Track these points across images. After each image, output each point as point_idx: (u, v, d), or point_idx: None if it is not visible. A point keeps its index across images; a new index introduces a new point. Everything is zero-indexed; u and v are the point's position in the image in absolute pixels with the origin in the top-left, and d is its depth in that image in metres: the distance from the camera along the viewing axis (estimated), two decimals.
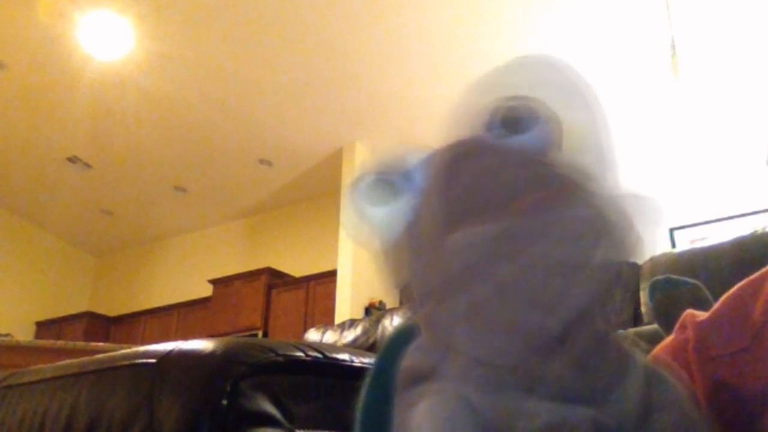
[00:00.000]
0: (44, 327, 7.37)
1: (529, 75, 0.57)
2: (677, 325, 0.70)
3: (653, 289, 0.89)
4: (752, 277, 0.66)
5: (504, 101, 0.55)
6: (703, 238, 3.77)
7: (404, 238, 0.57)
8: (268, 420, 0.87)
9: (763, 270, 0.66)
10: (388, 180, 0.56)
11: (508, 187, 0.51)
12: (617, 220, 0.50)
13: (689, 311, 0.69)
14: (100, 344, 3.51)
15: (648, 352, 0.66)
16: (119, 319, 7.56)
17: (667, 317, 0.84)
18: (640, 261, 2.41)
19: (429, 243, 0.53)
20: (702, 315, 0.67)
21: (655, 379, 0.55)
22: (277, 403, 0.88)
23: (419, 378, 0.53)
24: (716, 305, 0.67)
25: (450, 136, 0.57)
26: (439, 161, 0.56)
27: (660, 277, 0.89)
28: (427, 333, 0.55)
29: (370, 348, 3.07)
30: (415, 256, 0.56)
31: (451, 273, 0.50)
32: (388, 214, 0.56)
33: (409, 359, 0.56)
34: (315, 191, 6.68)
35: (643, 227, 0.51)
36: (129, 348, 1.08)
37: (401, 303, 5.22)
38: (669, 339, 0.70)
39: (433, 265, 0.53)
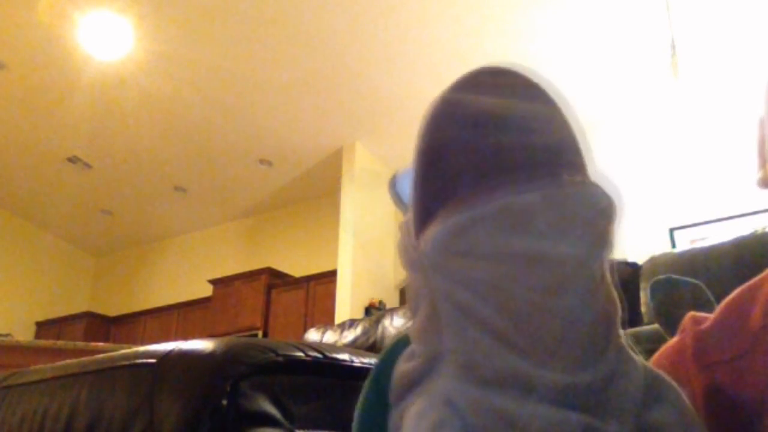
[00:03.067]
0: (44, 327, 7.36)
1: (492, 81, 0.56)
2: (679, 328, 0.70)
3: (654, 289, 0.89)
4: (750, 282, 0.66)
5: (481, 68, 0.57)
6: (703, 238, 3.77)
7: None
8: (268, 420, 0.87)
9: (761, 275, 0.65)
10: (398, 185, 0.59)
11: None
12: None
13: (691, 314, 0.69)
14: (100, 344, 3.51)
15: (648, 352, 0.66)
16: (119, 319, 7.56)
17: (667, 317, 0.84)
18: (640, 261, 2.41)
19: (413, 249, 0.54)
20: (703, 318, 0.67)
21: (655, 382, 0.54)
22: (277, 403, 0.88)
23: (411, 384, 0.54)
24: (715, 311, 0.67)
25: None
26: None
27: (661, 277, 0.88)
28: (416, 341, 0.55)
29: (370, 348, 3.07)
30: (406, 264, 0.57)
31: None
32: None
33: (402, 366, 0.56)
34: (315, 191, 6.68)
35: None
36: (129, 348, 1.08)
37: (401, 303, 5.21)
38: (670, 343, 0.70)
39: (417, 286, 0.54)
